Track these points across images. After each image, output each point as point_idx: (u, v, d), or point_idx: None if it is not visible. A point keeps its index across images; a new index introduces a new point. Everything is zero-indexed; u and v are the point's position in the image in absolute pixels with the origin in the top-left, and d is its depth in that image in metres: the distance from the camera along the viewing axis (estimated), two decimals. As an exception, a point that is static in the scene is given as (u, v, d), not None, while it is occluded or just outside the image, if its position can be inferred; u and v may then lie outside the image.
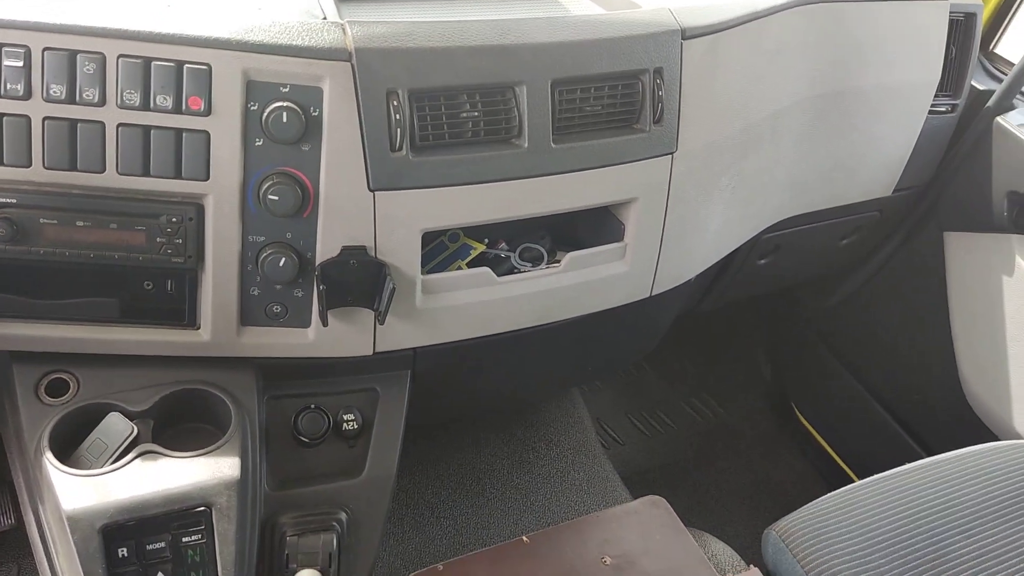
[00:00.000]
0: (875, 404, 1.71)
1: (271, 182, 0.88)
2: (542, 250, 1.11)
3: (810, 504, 1.15)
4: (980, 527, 1.12)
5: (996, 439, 1.29)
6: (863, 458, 1.57)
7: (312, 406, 1.03)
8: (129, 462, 0.88)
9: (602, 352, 1.32)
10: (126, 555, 0.85)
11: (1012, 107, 1.43)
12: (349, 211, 0.92)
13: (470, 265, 1.08)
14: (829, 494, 1.16)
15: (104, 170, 0.85)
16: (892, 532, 1.10)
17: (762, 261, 1.43)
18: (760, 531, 1.15)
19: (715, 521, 1.69)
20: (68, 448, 0.90)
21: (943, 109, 1.42)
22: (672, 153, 1.06)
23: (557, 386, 1.46)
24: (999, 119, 1.41)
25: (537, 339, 1.14)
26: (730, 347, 2.06)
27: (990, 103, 1.42)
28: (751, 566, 1.11)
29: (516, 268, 1.09)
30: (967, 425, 1.51)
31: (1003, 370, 1.42)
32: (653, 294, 1.17)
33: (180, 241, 0.90)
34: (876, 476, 1.19)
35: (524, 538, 1.09)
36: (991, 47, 1.53)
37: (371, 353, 1.02)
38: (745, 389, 2.00)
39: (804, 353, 1.89)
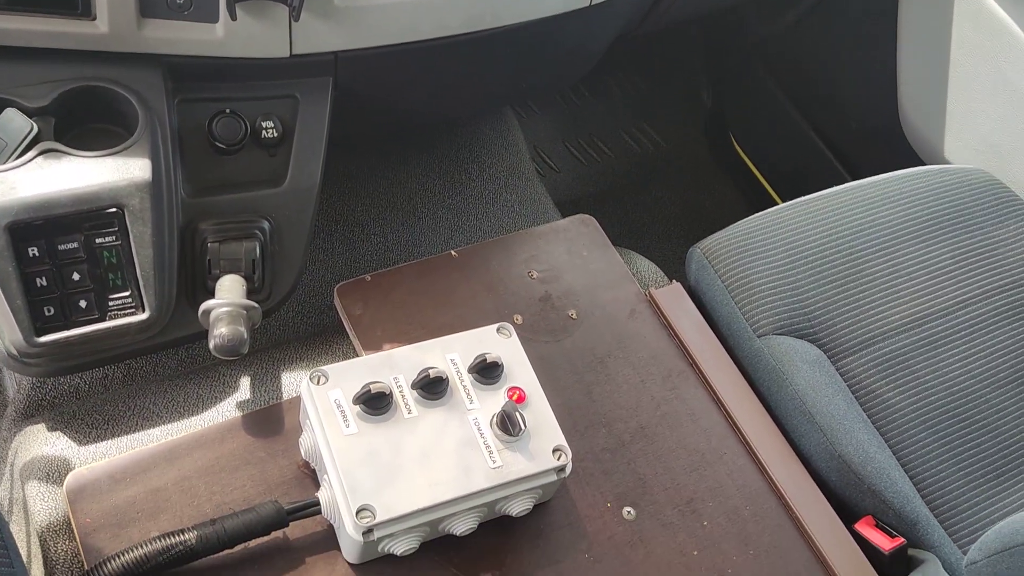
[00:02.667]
0: (812, 133, 1.71)
1: None
2: (473, -53, 1.02)
3: (734, 224, 1.17)
4: (896, 247, 1.15)
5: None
6: (795, 187, 1.58)
7: (227, 111, 0.97)
8: (31, 159, 0.83)
9: (536, 69, 1.26)
10: (37, 254, 0.82)
11: None
12: None
13: (395, -39, 0.99)
14: (754, 215, 1.18)
15: None
16: (813, 249, 1.13)
17: (710, -24, 1.35)
18: (686, 252, 1.17)
19: (644, 244, 1.73)
20: (-37, 147, 0.84)
21: None
22: None
23: (489, 102, 1.41)
24: None
25: (468, 49, 1.08)
26: (672, 75, 2.01)
27: None
28: (673, 281, 1.14)
29: (444, -34, 1.00)
30: (900, 154, 1.52)
31: (941, 95, 1.41)
32: (593, 3, 1.10)
33: (61, -85, 0.80)
34: (801, 198, 1.20)
35: (452, 252, 1.09)
36: None
37: (288, 55, 0.95)
38: (684, 118, 1.97)
39: (746, 81, 1.85)
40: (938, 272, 1.14)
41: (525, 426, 0.83)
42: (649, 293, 1.10)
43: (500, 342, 0.89)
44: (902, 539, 0.93)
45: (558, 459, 0.83)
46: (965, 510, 0.98)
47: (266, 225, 0.98)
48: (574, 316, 1.06)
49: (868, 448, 0.97)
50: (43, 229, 0.82)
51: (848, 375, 1.05)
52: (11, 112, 0.84)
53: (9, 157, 0.83)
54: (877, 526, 0.95)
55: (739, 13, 1.75)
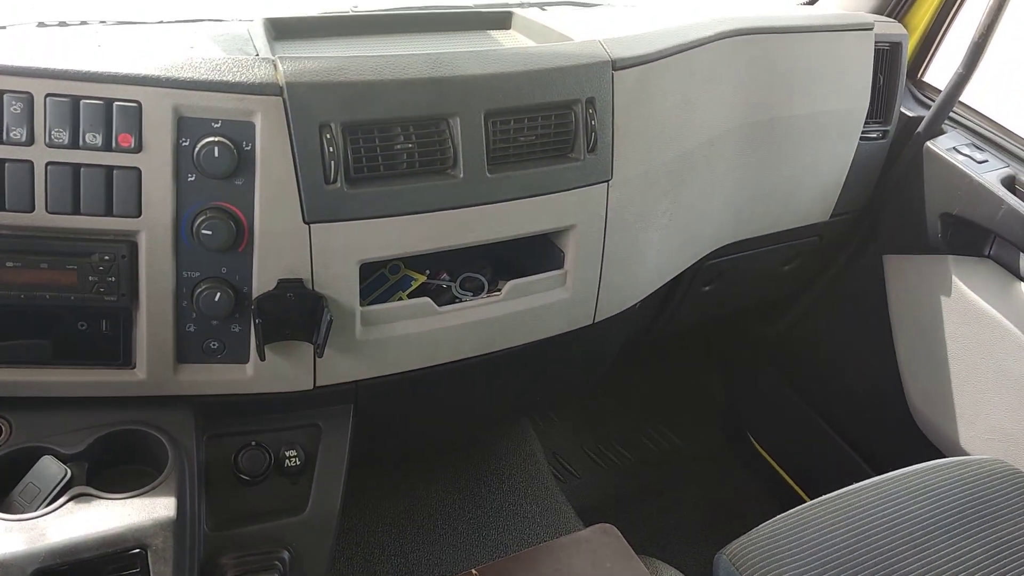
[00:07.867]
0: (825, 427, 1.72)
1: (204, 217, 0.88)
2: (483, 280, 1.11)
3: (760, 526, 1.15)
4: (928, 542, 1.13)
5: (942, 456, 1.31)
6: (816, 480, 1.58)
7: (253, 443, 1.02)
8: (62, 505, 0.86)
9: (548, 381, 1.32)
10: (59, 601, 0.82)
11: (942, 131, 1.47)
12: (285, 244, 0.92)
13: (411, 296, 1.08)
14: (779, 516, 1.16)
15: (33, 209, 0.85)
16: (842, 550, 1.10)
17: (706, 288, 1.45)
18: (713, 556, 1.15)
19: (670, 549, 1.68)
20: (0, 494, 0.88)
21: (874, 135, 1.45)
22: (608, 181, 1.08)
23: (505, 417, 1.46)
24: (929, 144, 1.45)
25: (481, 369, 1.14)
26: (684, 375, 2.07)
27: (920, 128, 1.46)
28: (702, 591, 1.11)
29: (457, 298, 1.09)
30: (915, 443, 1.53)
31: (946, 388, 1.44)
32: (596, 321, 1.18)
33: (113, 279, 0.89)
34: (825, 496, 1.19)
35: (474, 571, 1.07)
36: (919, 75, 1.58)
37: (312, 387, 1.01)
38: (699, 416, 2.01)
39: (755, 379, 1.90)
40: (973, 568, 1.10)
41: None
42: (678, 606, 1.07)
43: (526, 671, 0.86)
44: None
45: None
46: None
47: (286, 555, 0.98)
48: (602, 635, 1.02)
49: None
50: (68, 574, 0.83)
51: None
52: (47, 460, 0.89)
53: (42, 503, 0.86)
54: None
55: (742, 317, 1.85)
